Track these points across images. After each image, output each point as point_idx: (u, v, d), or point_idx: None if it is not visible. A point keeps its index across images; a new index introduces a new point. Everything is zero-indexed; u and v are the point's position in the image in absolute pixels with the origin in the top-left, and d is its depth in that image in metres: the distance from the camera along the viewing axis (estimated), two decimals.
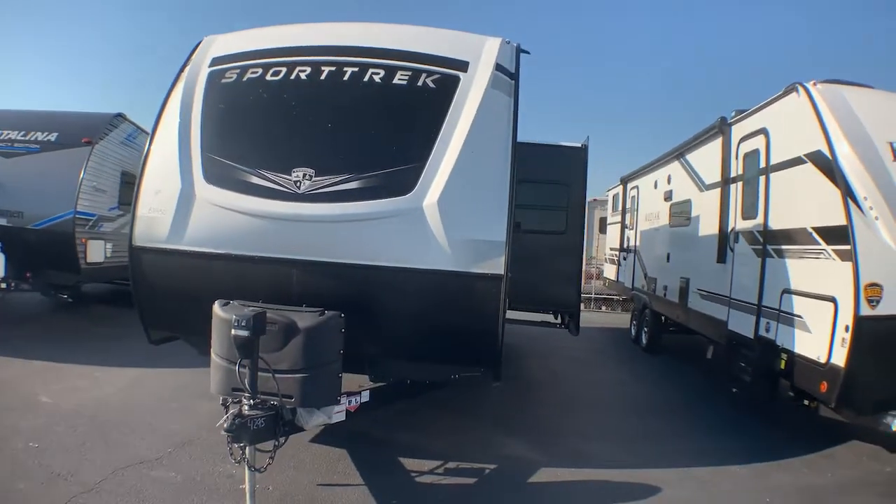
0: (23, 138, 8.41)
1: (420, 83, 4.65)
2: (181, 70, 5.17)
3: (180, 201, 4.63)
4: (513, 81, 4.82)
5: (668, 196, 10.21)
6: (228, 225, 4.53)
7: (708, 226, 7.88)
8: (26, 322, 8.88)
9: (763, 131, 6.21)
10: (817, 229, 5.03)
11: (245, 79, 4.90)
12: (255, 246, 4.46)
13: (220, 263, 4.56)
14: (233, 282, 4.48)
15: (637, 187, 12.65)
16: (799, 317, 5.23)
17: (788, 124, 5.71)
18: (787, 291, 5.44)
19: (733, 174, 7.05)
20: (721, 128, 7.31)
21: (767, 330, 5.79)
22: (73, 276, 8.49)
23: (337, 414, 4.25)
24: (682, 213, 9.26)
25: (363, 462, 4.74)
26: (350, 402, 4.40)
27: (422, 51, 4.85)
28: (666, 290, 9.87)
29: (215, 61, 5.10)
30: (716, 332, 7.27)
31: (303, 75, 4.78)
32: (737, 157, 6.96)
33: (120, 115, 9.93)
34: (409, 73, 4.69)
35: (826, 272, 4.89)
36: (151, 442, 4.78)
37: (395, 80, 4.66)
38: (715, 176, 7.57)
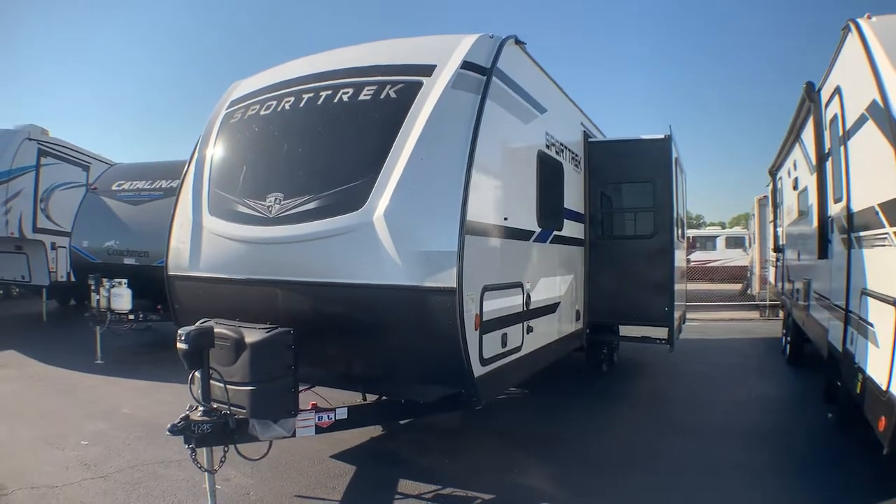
0: (149, 187, 9.83)
1: (383, 95, 4.61)
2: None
3: (193, 233, 5.18)
4: (484, 77, 4.55)
5: (795, 184, 8.63)
6: (223, 251, 4.94)
7: (815, 216, 6.45)
8: (157, 349, 10.14)
9: (837, 91, 4.95)
10: (882, 206, 3.78)
11: (246, 116, 5.31)
12: (241, 269, 4.78)
13: (221, 286, 4.98)
14: (231, 303, 4.81)
15: (781, 178, 10.88)
16: (871, 325, 3.94)
17: (852, 75, 4.48)
18: (865, 292, 4.16)
19: (826, 148, 5.69)
20: (809, 95, 5.97)
21: (852, 341, 4.51)
22: None
23: (303, 429, 4.30)
24: (804, 203, 7.72)
25: (362, 480, 4.69)
26: (321, 417, 4.42)
27: (388, 62, 4.83)
28: (798, 294, 8.30)
29: (231, 104, 5.61)
30: (822, 343, 5.86)
31: (287, 105, 5.04)
32: (827, 128, 5.62)
33: None
34: (375, 86, 4.68)
35: (889, 263, 3.66)
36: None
37: (361, 97, 4.68)
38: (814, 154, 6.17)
